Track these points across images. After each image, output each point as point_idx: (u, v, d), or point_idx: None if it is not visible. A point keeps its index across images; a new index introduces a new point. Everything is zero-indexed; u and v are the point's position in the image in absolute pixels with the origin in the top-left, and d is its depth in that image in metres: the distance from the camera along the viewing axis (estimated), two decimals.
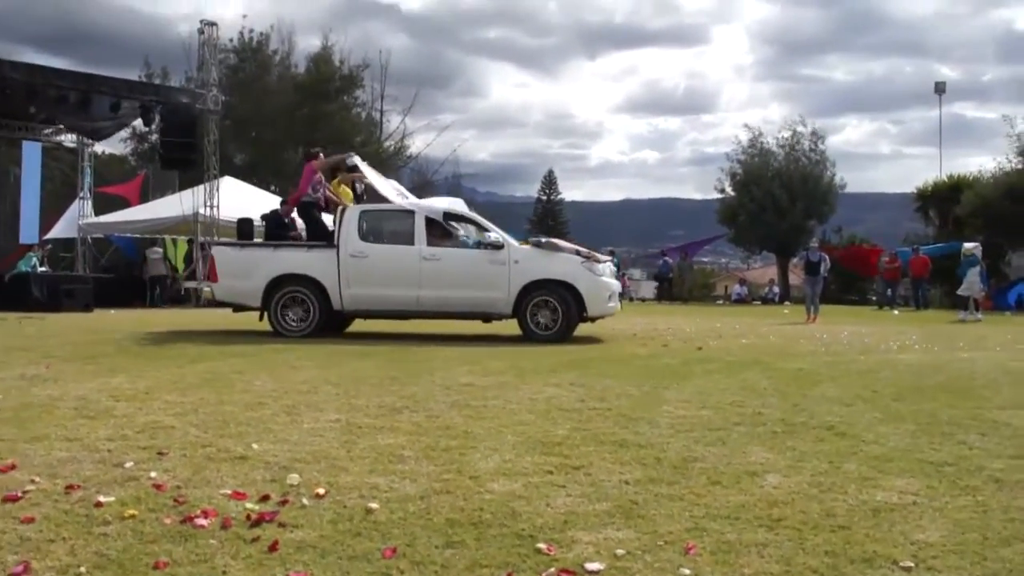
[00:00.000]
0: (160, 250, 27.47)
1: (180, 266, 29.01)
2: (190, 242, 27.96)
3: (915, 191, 40.84)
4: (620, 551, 3.38)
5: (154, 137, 37.08)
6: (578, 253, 12.78)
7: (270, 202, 30.55)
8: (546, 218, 75.90)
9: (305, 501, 3.95)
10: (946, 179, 39.60)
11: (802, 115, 53.91)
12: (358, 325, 14.40)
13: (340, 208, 13.24)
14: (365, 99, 50.68)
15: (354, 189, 14.14)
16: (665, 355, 10.79)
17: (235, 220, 26.38)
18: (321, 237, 13.34)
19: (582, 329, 13.12)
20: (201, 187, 26.18)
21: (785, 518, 3.84)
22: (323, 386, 7.58)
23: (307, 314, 12.85)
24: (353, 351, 10.73)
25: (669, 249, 43.43)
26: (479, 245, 12.80)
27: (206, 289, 15.03)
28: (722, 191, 42.52)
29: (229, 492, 4.07)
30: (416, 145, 53.75)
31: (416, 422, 5.94)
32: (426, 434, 5.51)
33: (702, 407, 6.65)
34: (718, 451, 5.12)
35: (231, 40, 44.39)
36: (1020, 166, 36.03)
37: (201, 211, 25.76)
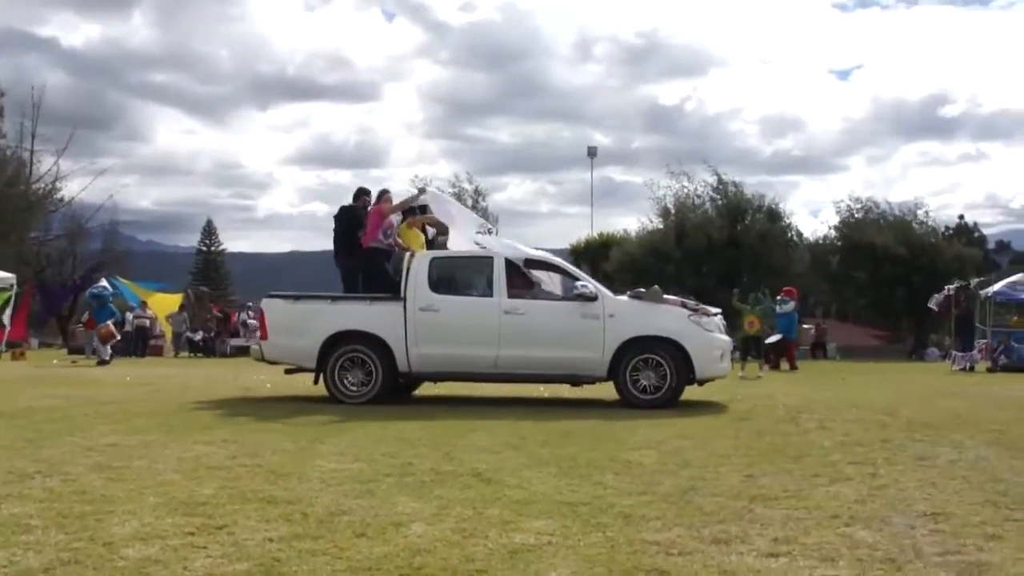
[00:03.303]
0: None
1: None
2: None
3: (570, 247, 43.69)
4: None
5: None
6: (684, 305, 11.46)
7: None
8: (207, 269, 73.32)
9: None
10: (597, 236, 42.72)
11: (469, 172, 55.99)
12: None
13: (408, 255, 11.64)
14: (12, 136, 46.83)
15: (425, 233, 12.61)
16: (317, 410, 10.52)
17: None
18: (386, 290, 11.51)
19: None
20: None
21: (426, 566, 3.94)
22: None
23: (369, 377, 11.16)
24: None
25: None
26: (568, 297, 11.23)
27: (254, 347, 12.31)
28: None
29: None
30: (71, 189, 50.25)
31: (49, 487, 5.55)
32: (59, 500, 5.16)
33: (355, 460, 6.68)
34: (366, 503, 5.17)
35: None
36: (660, 226, 39.69)
37: None
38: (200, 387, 13.77)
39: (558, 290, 11.71)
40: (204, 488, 5.56)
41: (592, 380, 11.25)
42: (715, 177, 40.71)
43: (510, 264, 11.32)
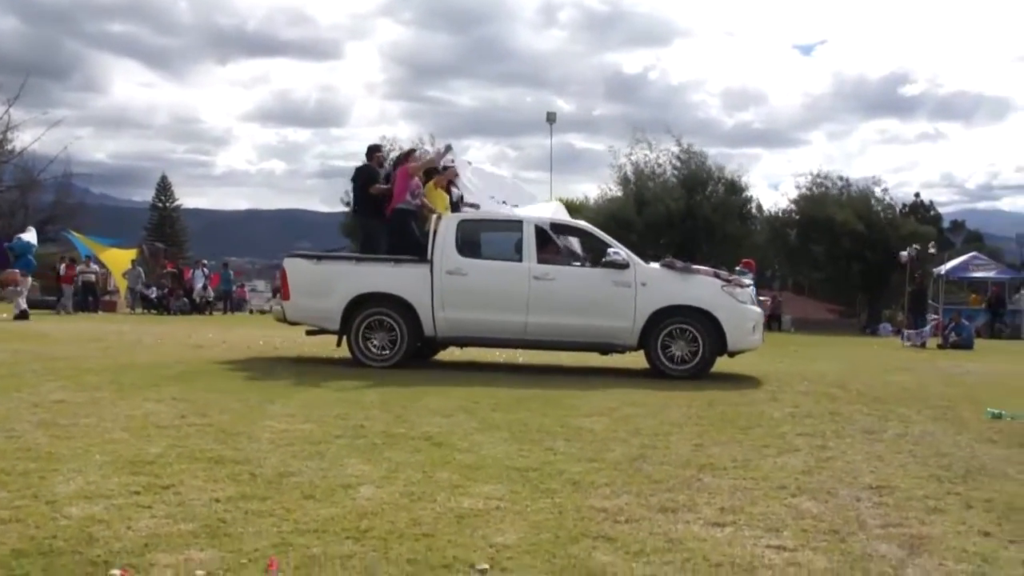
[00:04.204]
0: None
1: None
2: None
3: None
4: (200, 572, 3.32)
5: None
6: (717, 275, 11.24)
7: None
8: (163, 225, 72.45)
9: None
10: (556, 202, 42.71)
11: (432, 135, 55.23)
12: None
13: (435, 216, 11.32)
14: None
15: (450, 194, 12.30)
16: (269, 370, 10.60)
17: None
18: (413, 251, 11.24)
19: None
20: None
21: (373, 529, 3.94)
22: None
23: (394, 341, 10.90)
24: None
25: None
26: (600, 263, 11.03)
27: (276, 308, 11.83)
28: (348, 204, 43.01)
29: None
30: (23, 139, 49.21)
31: None
32: (2, 457, 5.09)
33: (305, 421, 6.65)
34: (315, 465, 5.15)
35: None
36: (620, 194, 39.86)
37: None
38: (153, 344, 13.64)
39: (587, 256, 11.65)
40: (152, 447, 5.51)
41: (623, 349, 11.09)
42: (678, 146, 40.89)
43: (540, 229, 11.16)
